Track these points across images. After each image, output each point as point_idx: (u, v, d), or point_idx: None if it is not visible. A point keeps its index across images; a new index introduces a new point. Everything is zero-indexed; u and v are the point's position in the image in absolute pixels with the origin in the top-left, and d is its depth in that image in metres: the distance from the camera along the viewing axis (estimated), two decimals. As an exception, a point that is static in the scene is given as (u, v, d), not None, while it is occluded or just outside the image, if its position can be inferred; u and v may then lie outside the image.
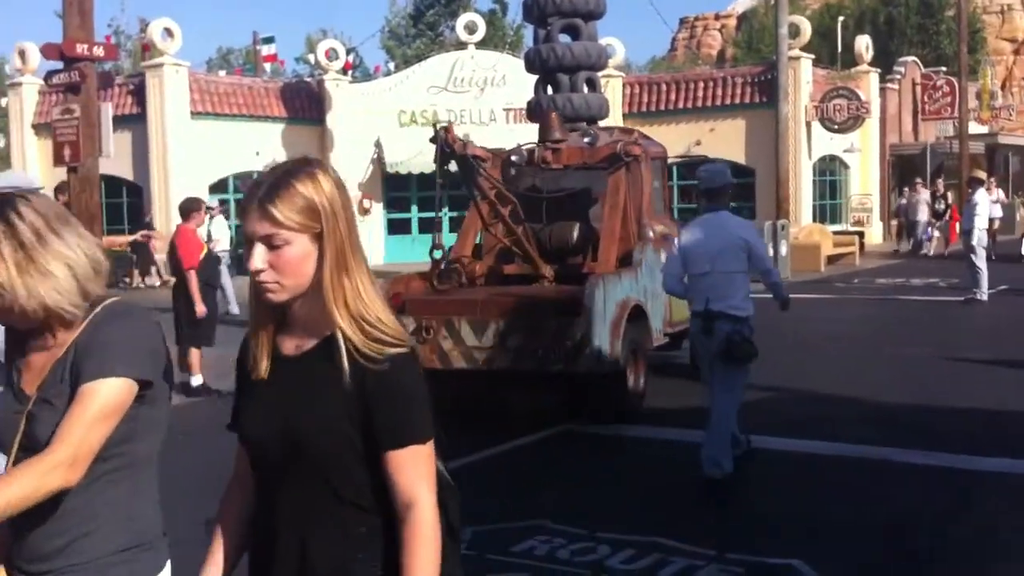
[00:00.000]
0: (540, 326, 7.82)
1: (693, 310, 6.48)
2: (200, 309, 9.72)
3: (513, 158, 9.72)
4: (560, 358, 7.67)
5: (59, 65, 10.19)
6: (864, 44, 31.87)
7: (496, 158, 9.84)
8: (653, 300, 8.78)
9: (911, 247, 27.10)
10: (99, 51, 10.21)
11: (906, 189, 29.52)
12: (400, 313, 7.78)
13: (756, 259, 6.40)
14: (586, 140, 10.01)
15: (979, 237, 15.58)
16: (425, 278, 8.84)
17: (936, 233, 26.99)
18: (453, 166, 9.52)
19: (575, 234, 9.36)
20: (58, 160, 10.23)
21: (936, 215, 26.93)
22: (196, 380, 9.83)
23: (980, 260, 15.53)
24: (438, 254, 8.88)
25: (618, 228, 9.02)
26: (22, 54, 28.20)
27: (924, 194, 27.28)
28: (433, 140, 9.13)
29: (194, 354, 9.90)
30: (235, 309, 15.20)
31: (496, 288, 8.95)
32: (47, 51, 10.21)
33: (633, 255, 8.84)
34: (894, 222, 29.91)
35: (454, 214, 30.01)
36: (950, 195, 28.14)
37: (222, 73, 33.50)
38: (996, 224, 23.71)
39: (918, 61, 37.33)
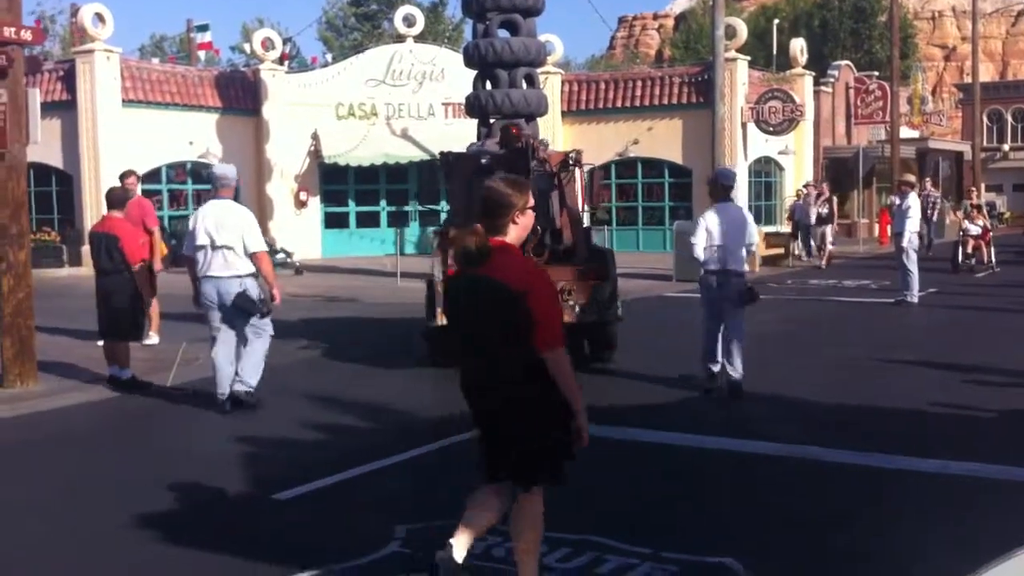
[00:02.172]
0: (581, 289, 10.10)
1: (710, 269, 9.16)
2: (152, 303, 9.65)
3: (483, 160, 10.66)
4: (594, 311, 10.16)
5: (-15, 49, 9.92)
6: (799, 47, 32.31)
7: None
8: None
9: (805, 253, 25.09)
10: (27, 35, 9.95)
11: (800, 189, 27.38)
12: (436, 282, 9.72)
13: (749, 236, 9.28)
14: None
15: (910, 239, 15.83)
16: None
17: (831, 239, 24.83)
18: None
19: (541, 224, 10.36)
20: (-17, 146, 9.96)
21: (819, 220, 24.59)
22: (126, 373, 9.64)
23: (911, 263, 15.77)
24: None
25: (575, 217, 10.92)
26: (-53, 37, 27.46)
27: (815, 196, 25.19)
28: (504, 143, 10.82)
29: (124, 347, 9.69)
30: None
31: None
32: (-27, 34, 9.90)
33: (590, 236, 11.24)
34: (781, 226, 27.56)
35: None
36: (834, 200, 26.74)
37: (155, 61, 32.90)
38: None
39: (851, 65, 37.96)
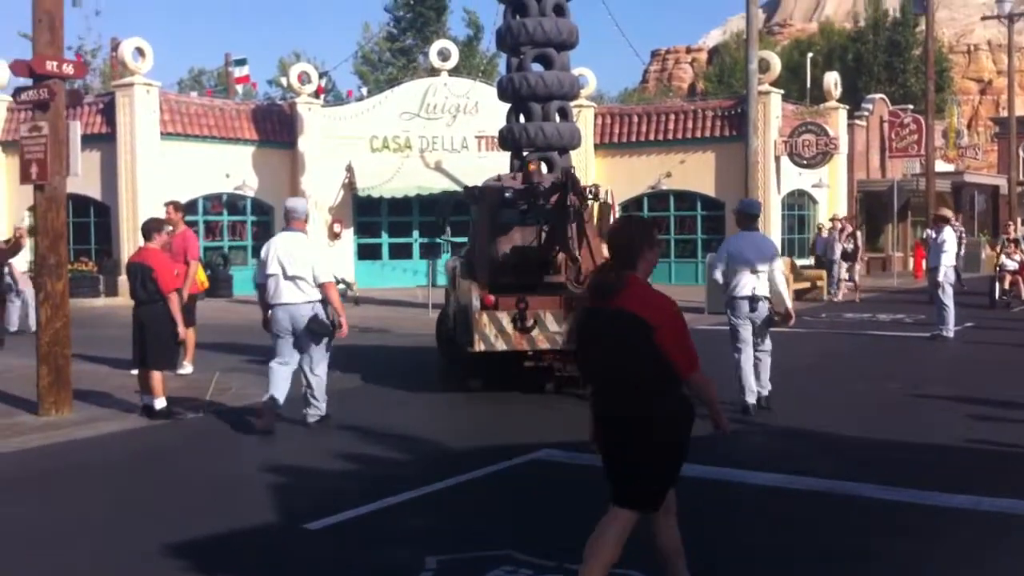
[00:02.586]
0: None
1: (740, 295, 9.68)
2: (182, 331, 9.90)
3: (507, 194, 11.32)
4: None
5: (28, 82, 10.10)
6: (833, 80, 32.25)
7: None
8: None
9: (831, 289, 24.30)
10: (69, 69, 10.14)
11: (823, 223, 27.17)
12: (494, 309, 10.39)
13: (774, 262, 9.74)
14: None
15: (946, 274, 15.71)
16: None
17: (846, 275, 24.27)
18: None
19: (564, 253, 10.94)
20: (25, 178, 10.11)
21: (844, 256, 24.12)
22: (160, 403, 9.72)
23: (947, 297, 15.65)
24: None
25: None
26: (-9, 70, 28.00)
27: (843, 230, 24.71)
28: (526, 178, 11.36)
29: (158, 376, 9.78)
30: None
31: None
32: (16, 68, 10.09)
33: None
34: (811, 259, 26.82)
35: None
36: (859, 235, 26.18)
37: (194, 94, 33.36)
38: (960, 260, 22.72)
39: (886, 99, 37.81)
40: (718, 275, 9.95)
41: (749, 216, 10.06)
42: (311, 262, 9.03)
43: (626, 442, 4.50)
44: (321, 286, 9.06)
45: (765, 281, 9.67)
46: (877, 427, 9.05)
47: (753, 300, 9.67)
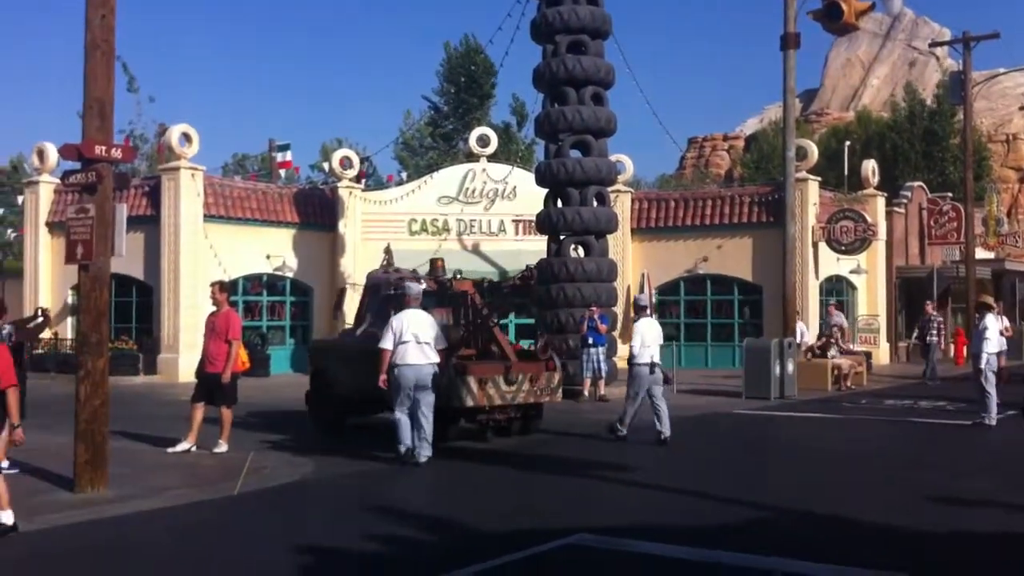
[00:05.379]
0: (536, 377, 13.34)
1: (643, 361, 13.24)
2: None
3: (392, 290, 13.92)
4: (547, 393, 13.55)
5: (77, 165, 10.33)
6: (871, 168, 32.30)
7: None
8: None
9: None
10: (117, 153, 10.34)
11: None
12: (465, 374, 12.52)
13: (661, 338, 13.75)
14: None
15: (988, 361, 15.53)
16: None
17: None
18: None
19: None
20: (70, 258, 10.28)
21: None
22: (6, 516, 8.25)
23: (989, 385, 15.46)
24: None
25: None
26: (40, 154, 28.73)
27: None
28: (432, 271, 14.89)
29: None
30: None
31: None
32: (66, 151, 10.33)
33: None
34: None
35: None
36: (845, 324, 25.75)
37: (237, 178, 33.97)
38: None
39: (924, 186, 37.76)
40: (637, 351, 13.23)
41: (640, 307, 14.26)
42: (435, 331, 11.71)
43: None
44: (439, 351, 11.66)
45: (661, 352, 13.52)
46: (912, 516, 8.87)
47: (652, 365, 13.28)
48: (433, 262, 15.36)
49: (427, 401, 11.59)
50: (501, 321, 15.83)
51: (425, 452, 11.51)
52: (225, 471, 10.92)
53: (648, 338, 13.29)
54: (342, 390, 14.36)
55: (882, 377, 25.49)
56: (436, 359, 11.63)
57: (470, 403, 12.68)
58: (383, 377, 11.62)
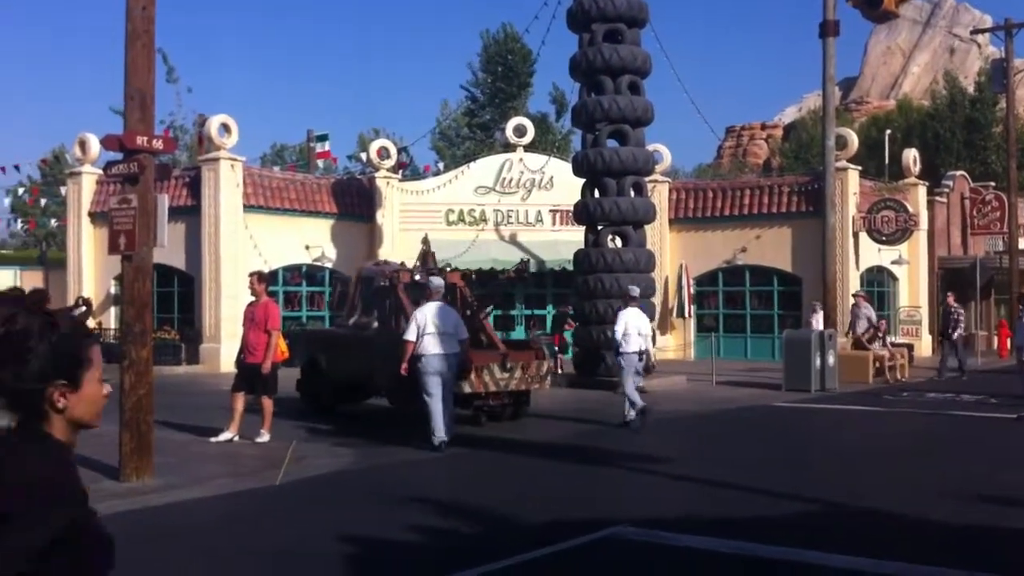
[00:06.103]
0: (528, 366, 14.08)
1: (631, 350, 14.02)
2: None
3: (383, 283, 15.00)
4: (537, 380, 14.27)
5: (119, 156, 10.44)
6: (912, 157, 31.94)
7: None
8: None
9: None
10: (158, 144, 10.45)
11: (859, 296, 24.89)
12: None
13: (648, 327, 14.77)
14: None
15: (1030, 353, 15.33)
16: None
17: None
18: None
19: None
20: (113, 248, 10.39)
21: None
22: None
23: (1032, 377, 15.27)
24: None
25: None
26: (82, 145, 29.04)
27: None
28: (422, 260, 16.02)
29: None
30: None
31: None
32: (107, 142, 10.45)
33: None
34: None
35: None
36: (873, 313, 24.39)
37: (276, 169, 34.17)
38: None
39: (966, 175, 37.29)
40: (619, 338, 14.02)
41: (631, 297, 14.69)
42: (458, 322, 12.36)
43: None
44: (461, 340, 12.26)
45: (647, 341, 14.39)
46: (953, 511, 8.79)
47: (640, 353, 14.18)
48: (424, 254, 16.26)
49: (448, 387, 12.26)
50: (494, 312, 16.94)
51: (449, 433, 12.14)
52: (267, 461, 11.02)
53: (633, 327, 14.07)
54: (333, 377, 15.30)
55: (925, 370, 25.21)
56: (457, 349, 12.19)
57: (468, 390, 13.43)
58: (404, 366, 12.20)
